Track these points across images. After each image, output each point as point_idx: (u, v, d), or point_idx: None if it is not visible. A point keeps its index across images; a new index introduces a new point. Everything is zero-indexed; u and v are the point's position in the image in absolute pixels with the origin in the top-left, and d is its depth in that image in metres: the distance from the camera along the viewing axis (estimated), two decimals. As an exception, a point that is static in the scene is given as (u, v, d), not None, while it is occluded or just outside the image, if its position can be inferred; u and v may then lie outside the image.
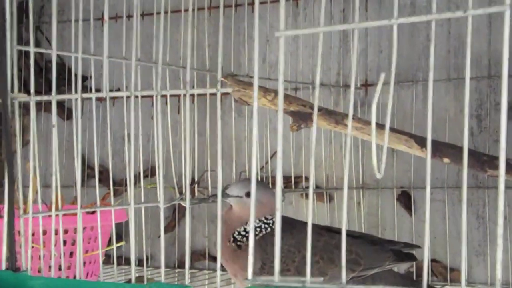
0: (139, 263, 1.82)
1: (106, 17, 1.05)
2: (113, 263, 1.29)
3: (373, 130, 0.90)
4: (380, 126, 1.36)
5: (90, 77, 1.31)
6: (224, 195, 1.30)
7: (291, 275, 1.30)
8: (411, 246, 1.39)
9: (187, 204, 1.13)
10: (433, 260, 1.72)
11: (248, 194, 1.34)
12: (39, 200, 1.21)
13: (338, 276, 1.26)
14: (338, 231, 1.36)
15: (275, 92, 1.37)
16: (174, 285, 0.98)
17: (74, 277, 1.37)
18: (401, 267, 1.59)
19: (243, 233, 1.34)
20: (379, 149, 0.92)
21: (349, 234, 1.37)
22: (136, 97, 1.12)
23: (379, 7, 1.79)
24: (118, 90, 1.88)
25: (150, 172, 1.97)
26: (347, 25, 0.88)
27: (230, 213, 1.36)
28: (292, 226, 1.32)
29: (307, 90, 1.80)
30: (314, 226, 1.39)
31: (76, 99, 1.10)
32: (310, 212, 0.94)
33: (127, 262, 1.98)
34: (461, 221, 1.67)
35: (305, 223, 1.35)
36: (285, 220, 1.32)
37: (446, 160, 1.36)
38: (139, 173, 1.34)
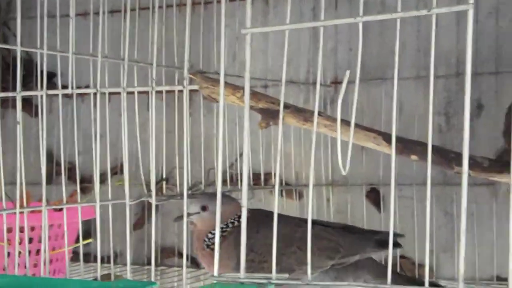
0: (108, 260, 1.82)
1: (71, 13, 1.04)
2: (81, 261, 1.29)
3: (338, 128, 0.90)
4: (348, 124, 1.37)
5: (61, 74, 1.31)
6: (188, 215, 1.34)
7: (269, 266, 1.32)
8: (395, 235, 1.38)
9: (153, 201, 1.13)
10: (401, 257, 1.73)
11: (203, 208, 1.40)
12: (3, 197, 1.20)
13: (316, 265, 1.26)
14: (320, 223, 1.39)
15: (244, 90, 1.37)
16: (140, 282, 0.97)
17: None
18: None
19: (211, 236, 1.37)
20: (347, 147, 0.93)
21: (330, 225, 1.38)
22: (103, 93, 1.11)
23: (350, 5, 1.80)
24: (87, 87, 1.87)
25: (119, 169, 1.96)
26: (314, 23, 0.88)
27: (195, 228, 1.42)
28: (271, 219, 1.33)
29: (276, 88, 1.80)
30: (295, 218, 1.40)
31: (42, 96, 1.09)
32: (275, 207, 0.94)
33: (96, 259, 1.97)
34: (429, 218, 1.68)
35: (285, 216, 1.37)
36: (264, 213, 1.34)
37: (414, 157, 1.37)
38: (109, 170, 1.33)
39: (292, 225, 1.33)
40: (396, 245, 1.34)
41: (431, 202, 1.69)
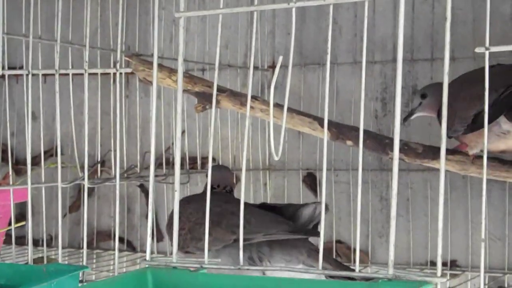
0: (43, 243, 1.80)
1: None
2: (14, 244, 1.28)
3: (271, 113, 0.90)
4: (284, 108, 1.37)
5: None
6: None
7: (191, 238, 1.34)
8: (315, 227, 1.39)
9: (85, 184, 1.12)
10: (337, 241, 1.74)
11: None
12: None
13: (220, 239, 1.27)
14: (262, 206, 1.41)
15: (180, 73, 1.36)
16: (71, 266, 0.97)
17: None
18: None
19: None
20: (284, 132, 0.93)
21: (264, 206, 1.39)
22: (36, 75, 1.10)
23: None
24: (21, 68, 1.84)
25: (55, 152, 1.94)
26: (247, 8, 0.88)
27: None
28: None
29: (214, 71, 1.79)
30: (235, 199, 1.42)
31: (-28, 77, 1.07)
32: (208, 191, 0.94)
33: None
34: (364, 203, 1.70)
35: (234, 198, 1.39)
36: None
37: (349, 142, 1.38)
38: (44, 152, 1.31)
39: (221, 201, 1.34)
40: (314, 233, 1.34)
41: (367, 187, 1.71)
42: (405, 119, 1.46)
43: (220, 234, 1.28)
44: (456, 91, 1.34)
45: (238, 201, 1.40)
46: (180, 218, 1.36)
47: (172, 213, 1.40)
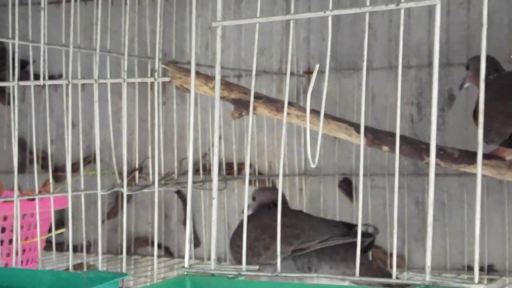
0: (82, 249, 1.82)
1: (43, 3, 1.04)
2: (55, 250, 1.29)
3: (308, 119, 0.91)
4: (319, 114, 1.37)
5: (34, 62, 1.30)
6: None
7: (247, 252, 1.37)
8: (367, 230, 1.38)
9: (124, 191, 1.14)
10: (374, 247, 1.74)
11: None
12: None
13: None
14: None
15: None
16: (110, 273, 0.98)
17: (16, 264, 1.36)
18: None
19: None
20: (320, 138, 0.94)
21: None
22: (75, 84, 1.12)
23: (321, -4, 1.80)
24: (60, 76, 1.87)
25: (93, 159, 1.96)
26: (283, 16, 0.89)
27: None
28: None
29: (250, 78, 1.79)
30: (291, 210, 1.43)
31: (13, 87, 1.09)
32: (246, 197, 0.95)
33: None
34: (400, 208, 1.70)
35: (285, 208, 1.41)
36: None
37: (385, 148, 1.38)
38: (83, 160, 1.33)
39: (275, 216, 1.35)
40: (367, 235, 1.34)
41: (403, 192, 1.71)
42: (460, 87, 1.54)
43: (275, 248, 1.29)
44: (493, 97, 1.34)
45: (294, 212, 1.42)
46: (240, 237, 1.40)
47: (234, 233, 1.44)
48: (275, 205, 1.44)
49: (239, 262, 1.38)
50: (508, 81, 1.35)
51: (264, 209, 1.47)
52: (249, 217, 1.50)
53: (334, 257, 1.31)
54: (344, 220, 1.62)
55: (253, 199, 1.51)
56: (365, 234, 1.31)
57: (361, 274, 0.85)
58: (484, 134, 1.34)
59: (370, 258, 1.68)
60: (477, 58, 1.49)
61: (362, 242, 1.27)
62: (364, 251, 1.35)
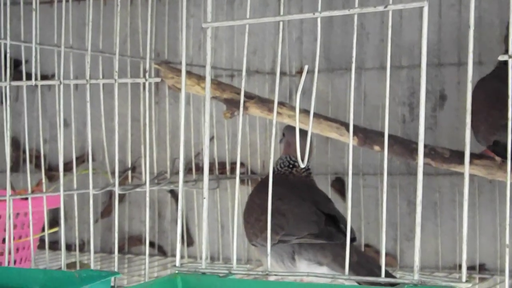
0: (76, 248, 1.82)
1: (34, 4, 1.05)
2: (48, 249, 1.30)
3: (297, 120, 0.92)
4: (313, 115, 1.38)
5: (27, 61, 1.31)
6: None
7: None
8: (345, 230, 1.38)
9: (116, 191, 1.14)
10: (366, 245, 1.75)
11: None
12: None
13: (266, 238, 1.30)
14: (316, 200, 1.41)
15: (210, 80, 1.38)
16: (102, 272, 0.99)
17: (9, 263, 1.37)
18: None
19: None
20: (312, 136, 0.94)
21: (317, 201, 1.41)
22: (67, 84, 1.12)
23: (315, -4, 1.81)
24: (54, 76, 1.88)
25: (86, 158, 1.96)
26: (273, 18, 0.90)
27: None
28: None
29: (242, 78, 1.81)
30: (292, 188, 1.44)
31: (6, 87, 1.10)
32: (237, 196, 0.96)
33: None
34: (392, 207, 1.71)
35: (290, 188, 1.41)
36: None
37: (376, 147, 1.39)
38: (76, 159, 1.33)
39: (276, 197, 1.36)
40: (343, 233, 1.34)
41: (395, 192, 1.72)
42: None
43: (265, 234, 1.30)
44: (482, 100, 1.34)
45: (295, 191, 1.42)
46: (252, 207, 1.44)
47: (246, 205, 1.45)
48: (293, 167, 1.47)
49: (246, 235, 1.45)
50: (496, 85, 1.34)
51: (281, 173, 1.49)
52: (263, 185, 1.51)
53: (313, 245, 1.31)
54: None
55: (283, 135, 1.53)
56: (341, 233, 1.32)
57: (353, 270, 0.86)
58: (474, 134, 1.35)
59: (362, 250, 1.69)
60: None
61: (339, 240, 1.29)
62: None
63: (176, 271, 0.97)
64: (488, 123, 1.32)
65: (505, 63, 0.87)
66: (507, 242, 0.82)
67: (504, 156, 1.29)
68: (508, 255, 0.84)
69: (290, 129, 1.49)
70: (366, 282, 0.90)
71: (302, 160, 0.91)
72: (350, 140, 0.90)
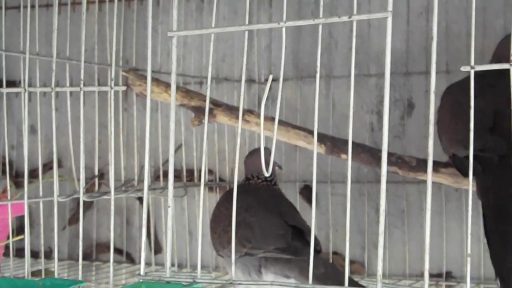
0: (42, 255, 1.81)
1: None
2: (14, 256, 1.29)
3: (262, 127, 0.92)
4: (280, 122, 1.39)
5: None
6: None
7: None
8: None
9: (81, 198, 1.14)
10: (334, 253, 1.75)
11: None
12: None
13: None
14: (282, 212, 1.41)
15: (177, 88, 1.38)
16: (66, 281, 0.98)
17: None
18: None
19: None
20: (279, 144, 0.95)
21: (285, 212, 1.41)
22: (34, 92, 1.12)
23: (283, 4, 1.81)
24: (20, 83, 1.87)
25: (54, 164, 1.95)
26: (238, 27, 0.90)
27: None
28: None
29: (211, 85, 1.81)
30: (260, 200, 1.42)
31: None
32: (201, 204, 0.95)
33: (31, 255, 1.96)
34: (360, 215, 1.71)
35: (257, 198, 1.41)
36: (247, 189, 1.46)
37: (344, 156, 1.39)
38: (44, 165, 1.33)
39: (243, 209, 1.36)
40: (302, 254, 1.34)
41: (363, 199, 1.72)
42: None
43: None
44: (445, 108, 1.35)
45: (261, 201, 1.42)
46: (220, 217, 1.44)
47: (213, 214, 1.45)
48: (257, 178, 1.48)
49: (213, 245, 1.45)
50: (460, 94, 1.33)
51: (247, 184, 1.50)
52: (228, 193, 1.51)
53: (279, 259, 1.32)
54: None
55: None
56: (307, 246, 1.32)
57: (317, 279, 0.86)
58: (440, 142, 1.36)
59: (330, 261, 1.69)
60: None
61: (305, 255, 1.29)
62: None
63: (141, 280, 0.97)
64: (448, 135, 1.33)
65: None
66: (469, 251, 0.82)
67: (461, 170, 1.30)
68: (470, 263, 0.85)
69: (250, 155, 1.52)
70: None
71: (267, 169, 0.91)
72: (315, 148, 0.90)
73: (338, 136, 1.45)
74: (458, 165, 1.30)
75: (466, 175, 1.20)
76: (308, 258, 0.93)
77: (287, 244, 1.32)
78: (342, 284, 0.91)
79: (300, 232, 1.35)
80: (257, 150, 1.50)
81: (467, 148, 0.85)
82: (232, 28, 0.90)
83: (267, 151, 1.47)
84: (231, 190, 1.53)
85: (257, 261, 1.34)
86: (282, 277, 1.32)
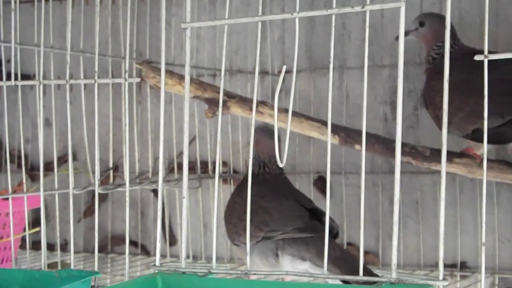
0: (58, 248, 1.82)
1: (13, 4, 1.05)
2: (30, 249, 1.30)
3: (276, 119, 0.92)
4: (294, 114, 1.39)
5: (8, 61, 1.31)
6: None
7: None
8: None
9: (96, 190, 1.15)
10: (348, 244, 1.75)
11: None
12: None
13: (250, 235, 1.29)
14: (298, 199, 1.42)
15: (191, 80, 1.39)
16: (82, 271, 0.99)
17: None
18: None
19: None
20: (292, 135, 0.95)
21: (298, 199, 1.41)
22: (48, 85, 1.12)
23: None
24: (35, 76, 1.87)
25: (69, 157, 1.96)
26: (251, 18, 0.90)
27: None
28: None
29: (225, 77, 1.81)
30: (273, 186, 1.43)
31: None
32: (216, 195, 0.96)
33: (47, 247, 1.97)
34: (374, 206, 1.71)
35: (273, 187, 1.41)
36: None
37: (357, 146, 1.40)
38: (58, 158, 1.34)
39: (258, 196, 1.36)
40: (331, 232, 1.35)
41: (377, 190, 1.72)
42: (396, 37, 1.39)
43: (251, 231, 1.30)
44: (455, 92, 1.34)
45: (275, 190, 1.42)
46: (234, 207, 1.45)
47: (227, 206, 1.45)
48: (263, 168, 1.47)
49: (228, 235, 1.46)
50: (462, 76, 1.32)
51: (260, 174, 1.49)
52: (241, 184, 1.51)
53: (297, 240, 1.32)
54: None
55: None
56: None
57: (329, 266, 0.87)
58: (448, 127, 1.35)
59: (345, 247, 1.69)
60: (435, 17, 1.49)
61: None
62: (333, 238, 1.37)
63: (156, 271, 0.97)
64: (464, 113, 1.32)
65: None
66: (483, 240, 0.82)
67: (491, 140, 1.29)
68: (484, 253, 0.85)
69: (259, 129, 1.48)
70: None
71: (281, 159, 0.91)
72: (329, 139, 0.91)
73: (351, 127, 1.46)
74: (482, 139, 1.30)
75: (494, 142, 1.22)
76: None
77: (305, 224, 1.32)
78: (357, 269, 0.92)
79: (317, 215, 1.36)
80: (263, 130, 1.48)
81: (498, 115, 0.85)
82: (245, 19, 0.90)
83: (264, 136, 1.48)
84: (244, 181, 1.54)
85: (274, 245, 1.34)
86: (298, 259, 1.32)
